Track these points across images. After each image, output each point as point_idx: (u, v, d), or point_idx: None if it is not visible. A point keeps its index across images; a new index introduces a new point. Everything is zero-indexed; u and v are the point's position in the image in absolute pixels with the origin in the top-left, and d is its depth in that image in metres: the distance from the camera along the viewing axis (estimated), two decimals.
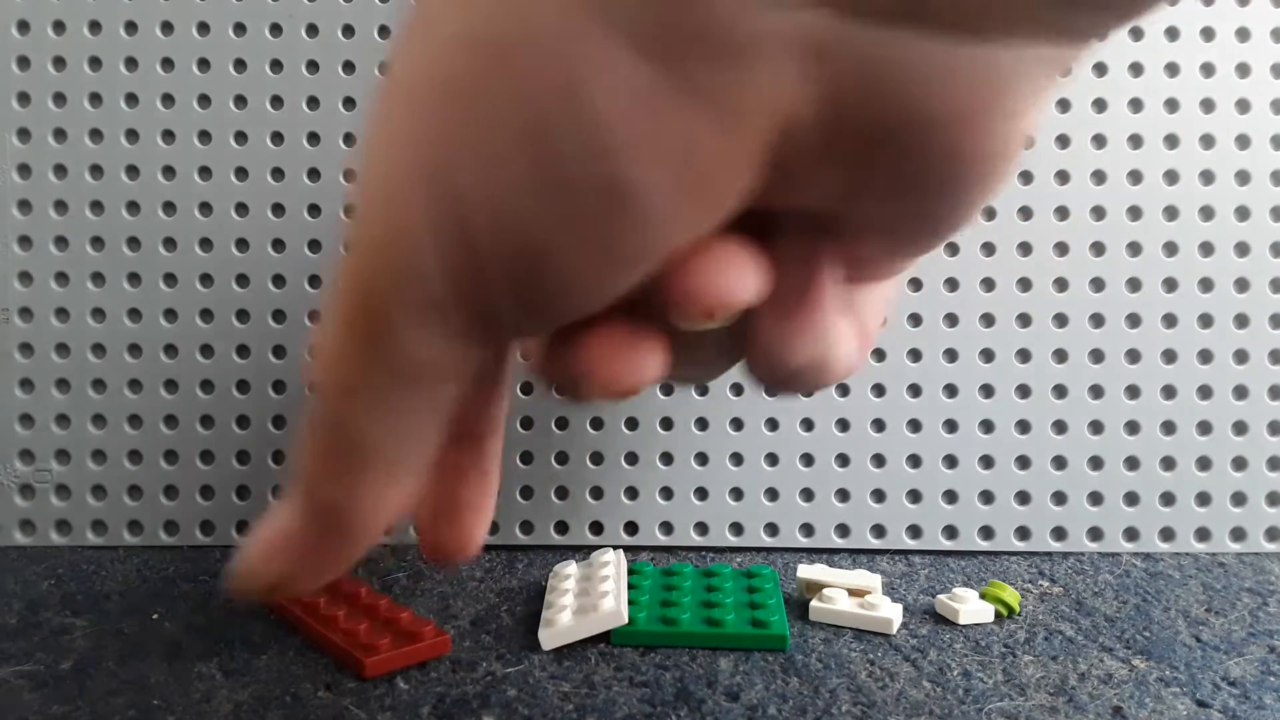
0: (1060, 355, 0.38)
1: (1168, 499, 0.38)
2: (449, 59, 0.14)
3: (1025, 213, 0.38)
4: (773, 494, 0.38)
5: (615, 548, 0.35)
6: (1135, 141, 0.38)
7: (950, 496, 0.38)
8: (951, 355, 0.38)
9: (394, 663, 0.27)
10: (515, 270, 0.15)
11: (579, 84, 0.13)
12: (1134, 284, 0.38)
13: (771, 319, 0.17)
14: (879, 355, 0.38)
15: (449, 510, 0.20)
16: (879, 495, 0.38)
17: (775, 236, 0.17)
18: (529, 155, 0.14)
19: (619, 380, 0.16)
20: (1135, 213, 0.38)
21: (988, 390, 0.38)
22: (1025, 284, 0.38)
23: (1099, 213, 0.38)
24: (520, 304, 0.15)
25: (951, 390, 0.38)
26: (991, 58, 0.13)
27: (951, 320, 0.38)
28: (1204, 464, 0.38)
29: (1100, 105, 0.38)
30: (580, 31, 0.13)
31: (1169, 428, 0.38)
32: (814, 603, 0.31)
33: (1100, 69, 0.38)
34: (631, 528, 0.39)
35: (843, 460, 0.38)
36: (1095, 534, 0.38)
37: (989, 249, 0.38)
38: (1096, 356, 0.38)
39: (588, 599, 0.30)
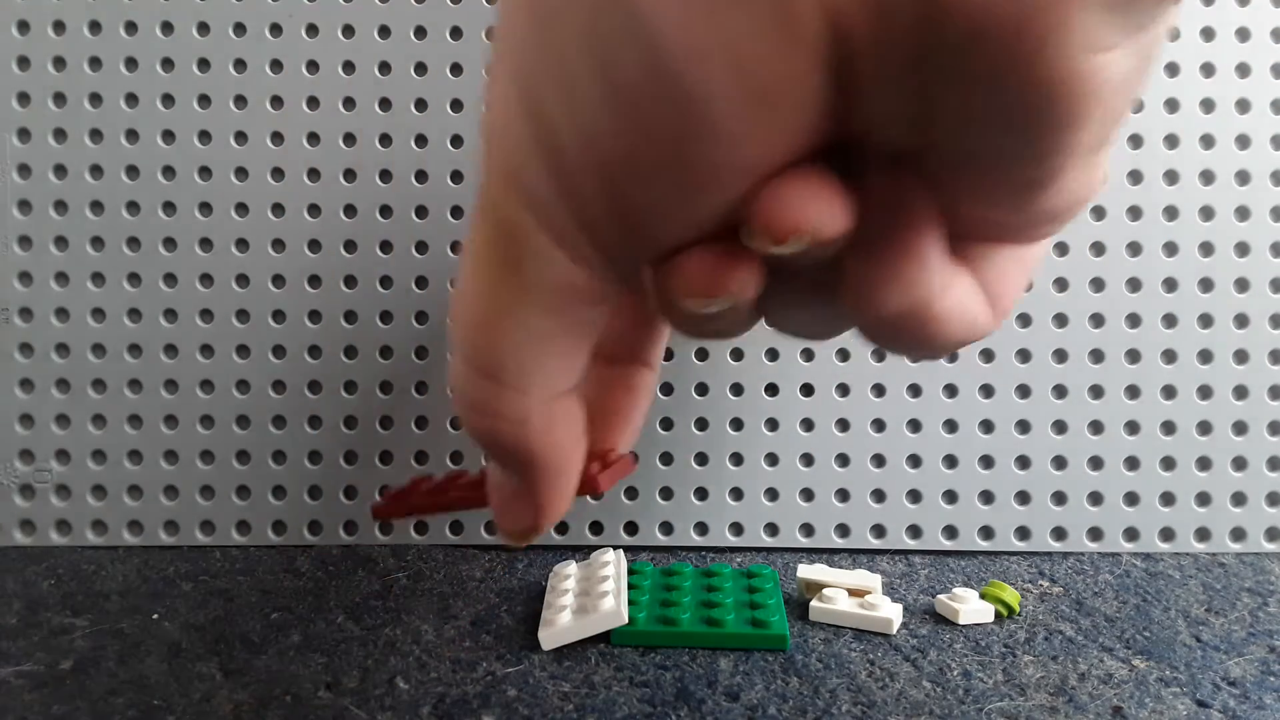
0: (1060, 355, 0.38)
1: (1168, 499, 0.38)
2: None
3: None
4: (773, 494, 0.38)
5: (615, 548, 0.35)
6: (1135, 141, 0.38)
7: (950, 496, 0.38)
8: (951, 355, 0.38)
9: (614, 476, 0.26)
10: (603, 189, 0.15)
11: None
12: (1134, 284, 0.38)
13: (859, 261, 0.17)
14: (879, 355, 0.38)
15: (594, 416, 0.22)
16: (879, 495, 0.38)
17: (864, 178, 0.16)
18: (595, 71, 0.14)
19: (708, 289, 0.16)
20: (1135, 213, 0.38)
21: (988, 390, 0.38)
22: None
23: (1099, 213, 0.38)
24: (615, 224, 0.16)
25: (951, 390, 0.38)
26: None
27: None
28: (1204, 464, 0.38)
29: None
30: None
31: (1169, 428, 0.38)
32: (814, 603, 0.31)
33: None
34: (631, 528, 0.39)
35: (843, 460, 0.38)
36: (1095, 534, 0.38)
37: None
38: (1096, 356, 0.38)
39: (588, 599, 0.30)
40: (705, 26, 0.13)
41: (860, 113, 0.15)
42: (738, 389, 0.38)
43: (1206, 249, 0.38)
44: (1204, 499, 0.38)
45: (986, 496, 0.38)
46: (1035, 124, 0.14)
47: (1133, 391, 0.38)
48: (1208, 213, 0.38)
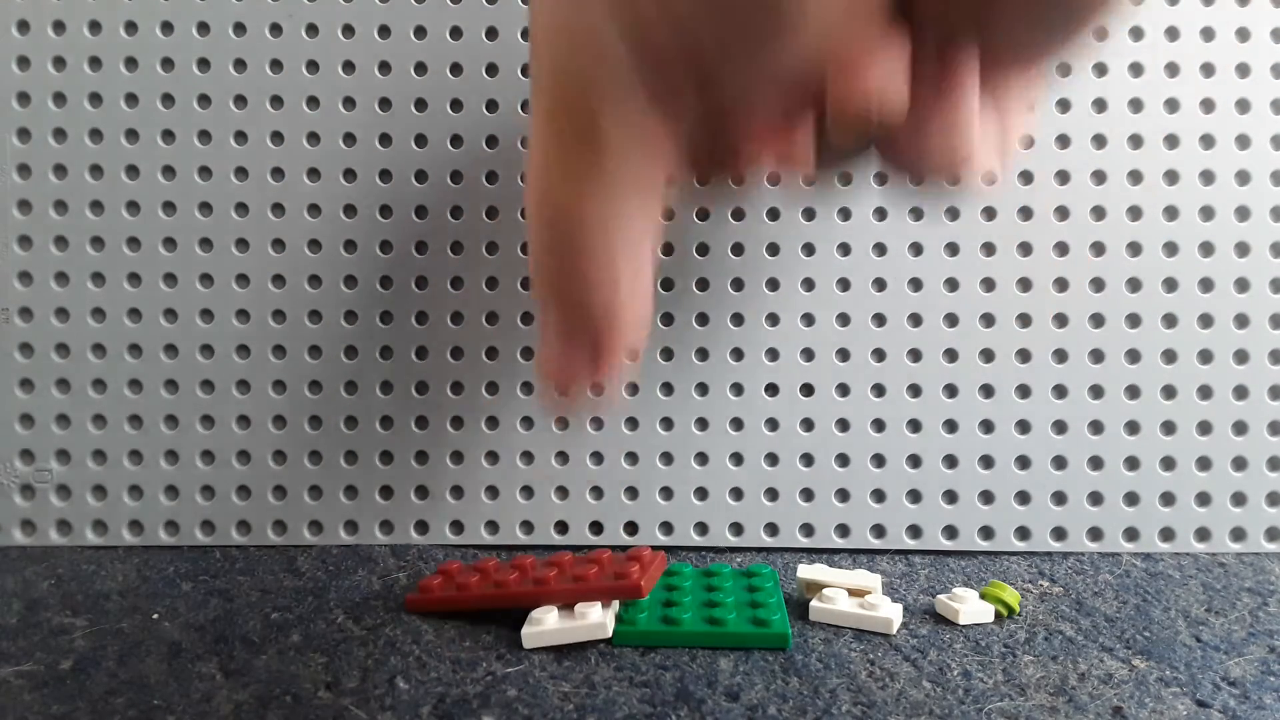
0: (1060, 355, 0.38)
1: (1168, 499, 0.38)
2: None
3: (1025, 213, 0.38)
4: (773, 494, 0.38)
5: (614, 549, 0.35)
6: (1135, 141, 0.38)
7: (950, 496, 0.38)
8: (951, 355, 0.38)
9: (653, 578, 0.30)
10: (684, 36, 0.16)
11: None
12: (1134, 284, 0.38)
13: (911, 123, 0.17)
14: (879, 356, 0.38)
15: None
16: (879, 495, 0.38)
17: (913, 39, 0.17)
18: None
19: (776, 154, 0.17)
20: (1135, 213, 0.38)
21: (988, 390, 0.38)
22: (1025, 284, 0.38)
23: (1099, 213, 0.38)
24: (696, 69, 0.16)
25: (951, 390, 0.38)
26: None
27: (951, 320, 0.38)
28: (1204, 464, 0.38)
29: (1100, 105, 0.38)
30: None
31: (1169, 428, 0.38)
32: (814, 603, 0.31)
33: (1100, 69, 0.38)
34: (631, 528, 0.39)
35: (843, 460, 0.38)
36: (1095, 534, 0.38)
37: (989, 249, 0.38)
38: (1096, 356, 0.38)
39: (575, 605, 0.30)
40: None
41: None
42: (738, 389, 0.38)
43: (1207, 249, 0.38)
44: (1204, 499, 0.38)
45: (986, 496, 0.38)
46: None
47: (1133, 391, 0.38)
48: (1208, 212, 0.38)
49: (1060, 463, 0.38)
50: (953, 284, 0.38)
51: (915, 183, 0.20)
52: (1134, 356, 0.38)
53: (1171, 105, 0.38)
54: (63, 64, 0.37)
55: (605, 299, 0.19)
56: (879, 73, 0.16)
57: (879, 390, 0.38)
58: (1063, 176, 0.38)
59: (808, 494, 0.38)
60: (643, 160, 0.18)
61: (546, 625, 0.29)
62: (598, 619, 0.29)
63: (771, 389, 0.38)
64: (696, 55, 0.16)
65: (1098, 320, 0.38)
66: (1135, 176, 0.38)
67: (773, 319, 0.38)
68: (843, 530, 0.38)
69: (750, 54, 0.16)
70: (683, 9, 0.16)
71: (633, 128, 0.17)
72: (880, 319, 0.38)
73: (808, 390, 0.38)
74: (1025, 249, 0.38)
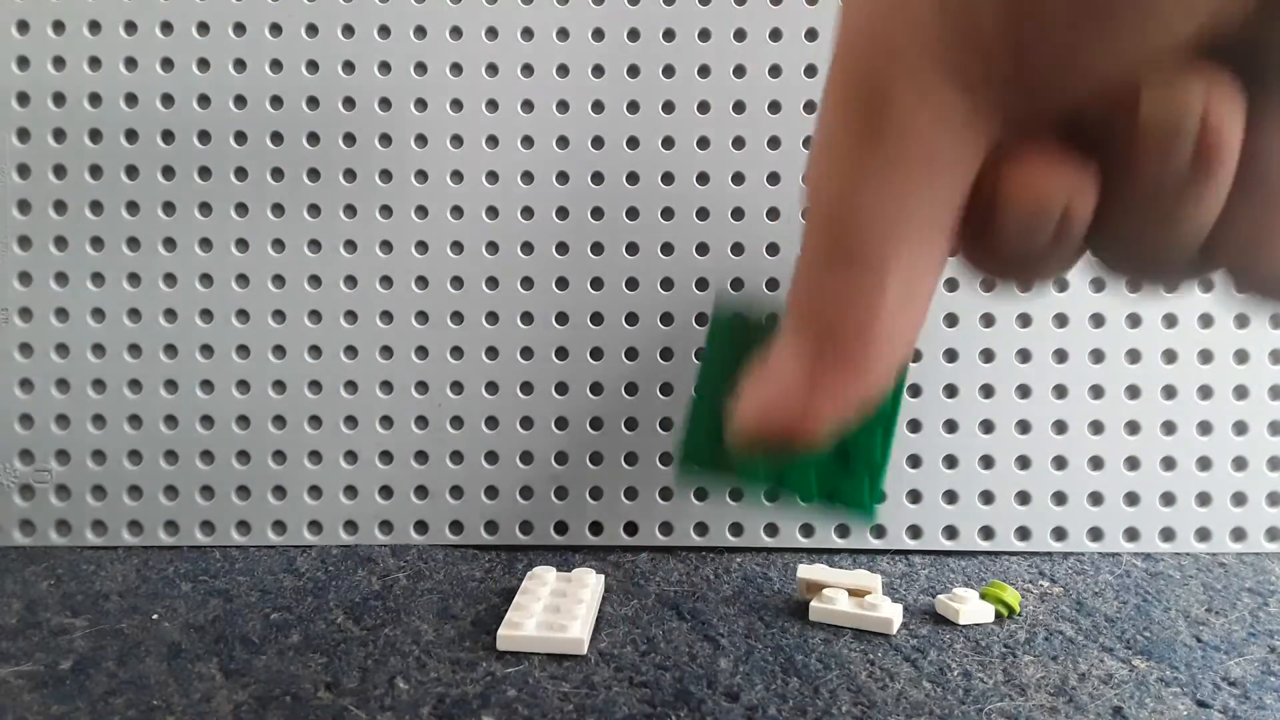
0: (1060, 355, 0.38)
1: (1168, 499, 0.38)
2: None
3: None
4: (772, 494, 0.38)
5: (599, 556, 0.35)
6: None
7: (950, 496, 0.38)
8: (951, 355, 0.38)
9: None
10: (1010, 35, 0.15)
11: None
12: (1134, 284, 0.38)
13: (1254, 210, 0.16)
14: None
15: None
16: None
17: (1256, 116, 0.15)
18: None
19: (1037, 193, 0.16)
20: None
21: (988, 390, 0.38)
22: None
23: None
24: (1013, 74, 0.15)
25: (951, 390, 0.38)
26: None
27: (951, 320, 0.38)
28: (1204, 464, 0.38)
29: None
30: None
31: (1169, 428, 0.38)
32: (814, 603, 0.31)
33: None
34: (631, 528, 0.39)
35: None
36: (1095, 534, 0.38)
37: None
38: (1096, 356, 0.38)
39: (556, 616, 0.29)
40: None
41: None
42: None
43: None
44: (1204, 499, 0.38)
45: (986, 496, 0.38)
46: None
47: (1133, 391, 0.38)
48: None
49: (1060, 463, 0.38)
50: (952, 284, 0.38)
51: (1242, 291, 0.17)
52: (1134, 356, 0.38)
53: None
54: (62, 64, 0.37)
55: (863, 320, 0.17)
56: (1217, 102, 0.14)
57: None
58: None
59: None
60: (940, 151, 0.16)
61: (525, 631, 0.28)
62: (575, 635, 0.28)
63: None
64: (1019, 35, 0.15)
65: (1098, 320, 0.38)
66: None
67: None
68: (843, 530, 0.38)
69: (1091, 39, 0.14)
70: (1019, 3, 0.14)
71: (932, 111, 0.15)
72: None
73: None
74: None
